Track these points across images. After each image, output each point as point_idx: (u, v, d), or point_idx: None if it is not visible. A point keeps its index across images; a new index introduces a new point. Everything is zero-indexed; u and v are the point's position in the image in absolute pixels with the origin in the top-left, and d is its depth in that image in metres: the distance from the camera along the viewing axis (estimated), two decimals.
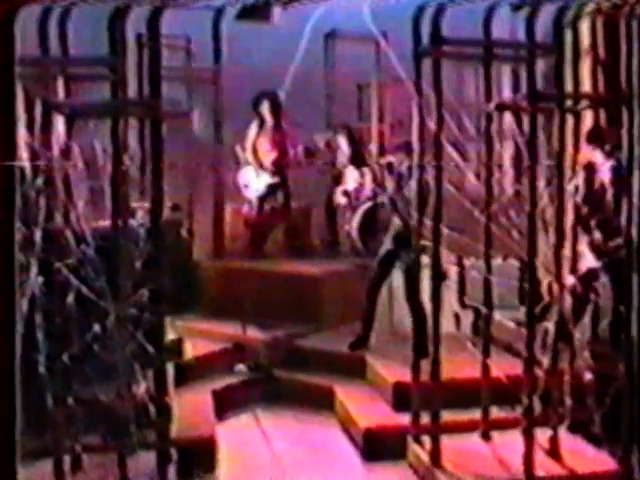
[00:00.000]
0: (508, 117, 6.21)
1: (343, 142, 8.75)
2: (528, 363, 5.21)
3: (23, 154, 5.03)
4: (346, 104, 9.45)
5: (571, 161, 5.87)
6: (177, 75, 8.00)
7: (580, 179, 5.79)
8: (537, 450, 5.21)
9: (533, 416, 5.20)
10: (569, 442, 5.41)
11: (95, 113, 4.99)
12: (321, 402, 6.49)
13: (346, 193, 8.54)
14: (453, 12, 5.26)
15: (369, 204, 7.96)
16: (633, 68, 5.12)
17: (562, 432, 5.42)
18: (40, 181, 4.82)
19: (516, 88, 6.80)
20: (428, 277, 5.50)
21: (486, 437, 5.57)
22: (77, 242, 4.84)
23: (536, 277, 5.33)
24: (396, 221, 6.54)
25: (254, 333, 7.21)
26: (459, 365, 5.70)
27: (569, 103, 5.61)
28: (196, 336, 7.12)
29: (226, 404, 6.48)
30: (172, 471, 5.07)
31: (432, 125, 5.26)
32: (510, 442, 5.31)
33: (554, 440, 5.34)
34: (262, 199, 8.51)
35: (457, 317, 7.10)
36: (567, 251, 5.55)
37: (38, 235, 4.77)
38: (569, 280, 5.49)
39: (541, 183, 5.27)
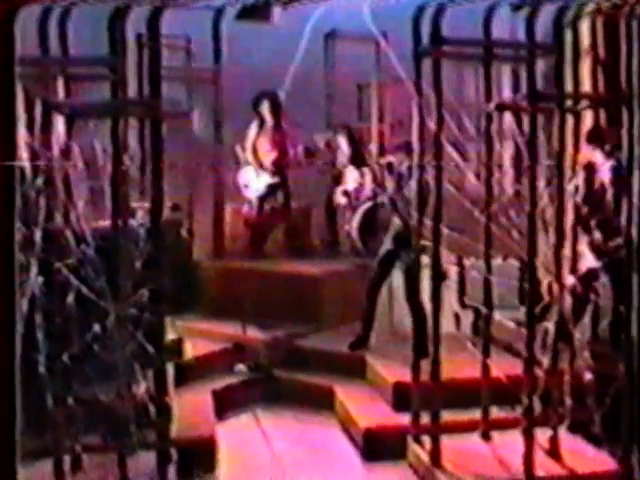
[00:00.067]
0: (508, 117, 6.21)
1: (343, 142, 8.75)
2: (528, 363, 5.21)
3: (23, 154, 5.04)
4: (346, 104, 9.45)
5: (571, 161, 5.86)
6: (177, 75, 8.00)
7: (580, 179, 5.79)
8: (537, 450, 5.21)
9: (533, 416, 5.20)
10: (569, 442, 5.41)
11: (95, 113, 4.99)
12: (321, 402, 6.49)
13: (346, 193, 8.54)
14: (453, 12, 5.26)
15: (369, 204, 7.96)
16: (633, 68, 5.12)
17: (562, 432, 5.42)
18: (40, 181, 4.82)
19: (516, 88, 6.80)
20: (428, 277, 5.50)
21: (486, 437, 5.57)
22: (77, 242, 4.84)
23: (536, 277, 5.33)
24: (396, 221, 6.54)
25: (254, 333, 7.21)
26: (459, 365, 5.70)
27: (569, 103, 5.61)
28: (196, 336, 7.12)
29: (226, 404, 6.48)
30: (172, 471, 5.08)
31: (432, 125, 5.26)
32: (510, 442, 5.31)
33: (554, 440, 5.34)
34: (262, 199, 8.52)
35: (457, 317, 7.10)
36: (567, 251, 5.55)
37: (38, 235, 4.77)
38: (569, 280, 5.48)
39: (541, 183, 5.27)
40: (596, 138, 5.85)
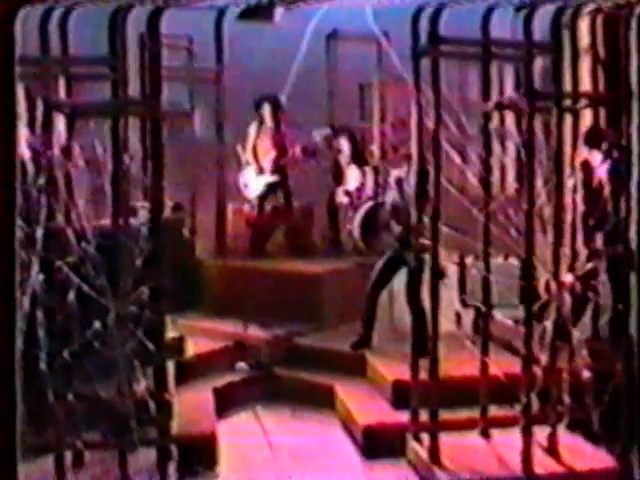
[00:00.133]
0: (510, 117, 6.24)
1: (344, 143, 8.78)
2: (526, 361, 5.23)
3: (25, 153, 5.09)
4: (348, 104, 9.46)
5: (569, 159, 5.88)
6: (179, 75, 8.04)
7: (578, 179, 5.80)
8: (536, 448, 5.23)
9: (531, 414, 5.22)
10: (567, 440, 5.43)
11: (96, 112, 5.02)
12: (321, 400, 6.51)
13: (348, 193, 8.56)
14: (454, 12, 5.29)
15: (370, 203, 7.98)
16: (632, 68, 5.14)
17: (560, 430, 5.43)
18: (42, 180, 4.86)
19: (519, 87, 6.81)
20: (428, 276, 5.52)
21: (485, 435, 5.59)
22: (78, 240, 4.88)
23: (534, 275, 5.35)
24: (397, 228, 6.58)
25: (255, 331, 7.24)
26: (458, 363, 5.72)
27: (568, 102, 5.62)
28: (198, 334, 7.16)
29: (227, 402, 6.51)
30: (172, 468, 5.11)
31: (431, 124, 5.28)
32: (509, 440, 5.33)
33: (553, 438, 5.36)
34: (262, 198, 8.56)
35: (458, 316, 7.11)
36: (566, 249, 5.57)
37: (39, 233, 4.81)
38: (568, 278, 5.50)
39: (539, 182, 5.29)
40: (594, 140, 5.86)
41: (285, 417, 6.46)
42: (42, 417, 4.71)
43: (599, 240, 5.66)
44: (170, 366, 5.79)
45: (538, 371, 5.29)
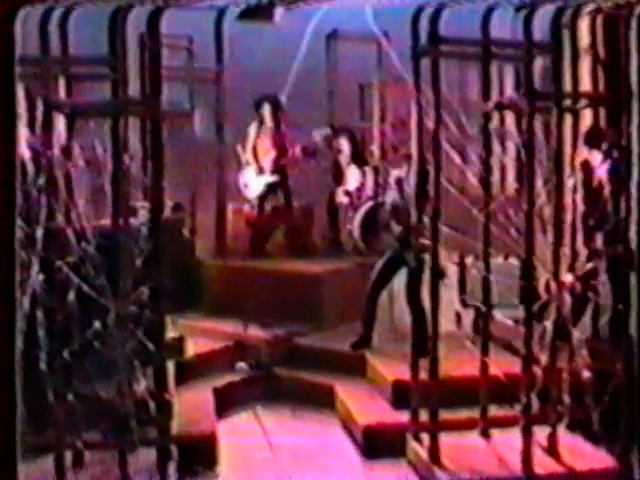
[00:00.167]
0: (510, 117, 6.24)
1: (344, 143, 8.78)
2: (526, 361, 5.23)
3: (25, 153, 5.09)
4: (348, 104, 9.46)
5: (569, 159, 5.88)
6: (179, 75, 8.05)
7: (578, 179, 5.80)
8: (536, 448, 5.23)
9: (531, 414, 5.22)
10: (568, 440, 5.43)
11: (96, 112, 5.02)
12: (321, 400, 6.52)
13: (348, 193, 8.57)
14: (455, 12, 5.29)
15: (370, 203, 7.98)
16: (632, 68, 5.14)
17: (561, 430, 5.43)
18: (42, 180, 4.86)
19: (519, 87, 6.81)
20: (428, 276, 5.52)
21: (485, 435, 5.59)
22: (78, 240, 4.88)
23: (534, 275, 5.35)
24: (397, 228, 6.58)
25: (255, 331, 7.24)
26: (458, 363, 5.73)
27: (568, 102, 5.63)
28: (198, 334, 7.16)
29: (227, 402, 6.51)
30: (172, 468, 5.11)
31: (431, 124, 5.28)
32: (509, 440, 5.33)
33: (553, 438, 5.36)
34: (262, 198, 8.57)
35: (458, 316, 7.12)
36: (566, 249, 5.57)
37: (39, 233, 4.81)
38: (568, 278, 5.50)
39: (539, 182, 5.29)
40: (594, 140, 5.86)
41: (285, 417, 6.46)
42: (42, 417, 4.71)
43: (599, 240, 5.66)
44: (170, 366, 5.80)
45: (538, 371, 5.29)
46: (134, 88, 5.21)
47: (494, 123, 5.77)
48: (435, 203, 5.35)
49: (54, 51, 4.95)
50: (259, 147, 8.65)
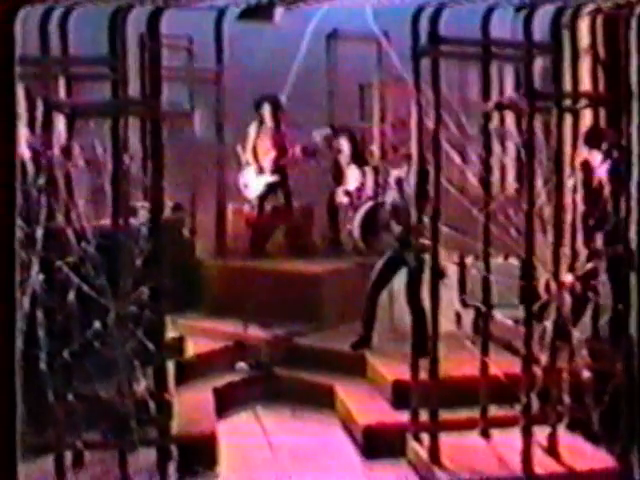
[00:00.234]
0: (510, 117, 6.24)
1: (344, 143, 8.79)
2: (526, 361, 5.23)
3: (25, 153, 5.09)
4: (348, 104, 9.46)
5: (570, 159, 5.88)
6: (179, 75, 8.05)
7: (578, 179, 5.80)
8: (536, 448, 5.23)
9: (531, 414, 5.22)
10: (567, 440, 5.43)
11: (96, 112, 5.03)
12: (321, 400, 6.52)
13: (348, 193, 8.57)
14: (456, 12, 5.29)
15: (370, 203, 7.98)
16: (632, 68, 5.14)
17: (560, 430, 5.43)
18: (42, 180, 4.86)
19: (519, 87, 6.81)
20: (428, 276, 5.52)
21: (485, 435, 5.59)
22: (78, 240, 4.88)
23: (534, 275, 5.35)
24: (397, 228, 6.59)
25: (255, 331, 7.25)
26: (458, 363, 5.73)
27: (568, 102, 5.63)
28: (198, 334, 7.17)
29: (227, 402, 6.52)
30: (172, 468, 5.11)
31: (431, 124, 5.28)
32: (509, 440, 5.33)
33: (553, 438, 5.36)
34: (262, 198, 8.58)
35: (458, 316, 7.12)
36: (566, 249, 5.57)
37: (39, 233, 4.81)
38: (568, 279, 5.50)
39: (539, 182, 5.29)
40: (594, 140, 5.86)
41: (285, 417, 6.47)
42: (42, 417, 4.71)
43: (599, 240, 5.67)
44: (170, 366, 5.80)
45: (538, 371, 5.29)
46: (134, 88, 5.21)
47: (494, 123, 5.77)
48: (435, 203, 5.35)
49: (54, 51, 4.95)
50: (259, 147, 8.66)
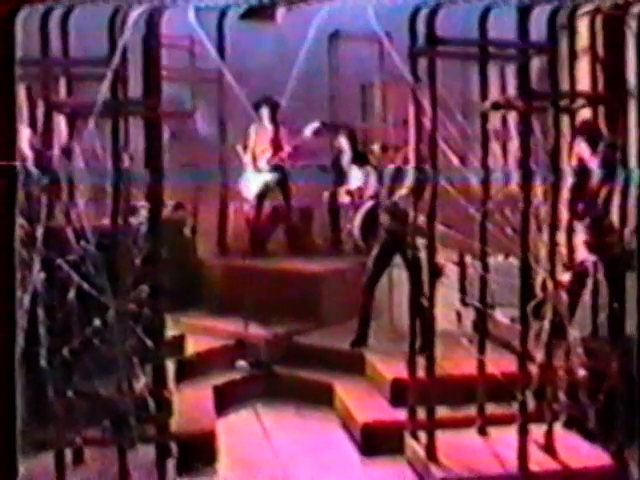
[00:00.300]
0: (508, 116, 6.25)
1: (344, 142, 8.82)
2: (521, 359, 5.25)
3: (26, 153, 5.14)
4: (350, 104, 9.49)
5: (566, 159, 5.90)
6: (180, 75, 8.08)
7: (575, 179, 5.81)
8: (532, 445, 5.25)
9: (527, 412, 5.25)
10: (564, 437, 5.45)
11: (96, 112, 5.05)
12: (321, 398, 6.55)
13: (349, 192, 8.60)
14: (456, 12, 5.31)
15: (371, 203, 8.01)
16: (630, 67, 5.16)
17: (557, 428, 5.45)
18: (43, 179, 4.90)
19: (519, 87, 6.82)
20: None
21: (482, 432, 5.62)
22: (78, 239, 4.92)
23: (531, 274, 5.37)
24: (386, 219, 6.64)
25: (256, 330, 7.27)
26: (456, 362, 5.76)
27: (566, 102, 5.65)
28: (199, 333, 7.20)
29: (227, 399, 6.55)
30: (171, 465, 5.14)
31: (429, 124, 5.31)
32: (506, 437, 5.35)
33: (549, 435, 5.38)
34: (260, 197, 8.62)
35: (459, 315, 7.14)
36: (562, 248, 5.59)
37: (40, 232, 4.85)
38: (564, 277, 5.53)
39: (536, 181, 5.32)
40: (583, 131, 5.85)
41: (285, 415, 6.50)
42: (42, 413, 4.74)
43: (595, 238, 5.68)
44: (170, 364, 5.84)
45: (534, 369, 5.32)
46: (134, 88, 5.25)
47: (493, 123, 5.80)
48: (431, 202, 5.38)
49: (54, 51, 4.98)
50: (258, 147, 8.71)
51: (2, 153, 4.12)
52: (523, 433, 5.19)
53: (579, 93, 6.12)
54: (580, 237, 5.64)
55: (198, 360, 6.83)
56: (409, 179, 5.96)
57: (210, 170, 8.45)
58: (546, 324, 5.31)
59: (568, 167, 5.70)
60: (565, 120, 5.74)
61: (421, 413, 5.52)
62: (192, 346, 6.96)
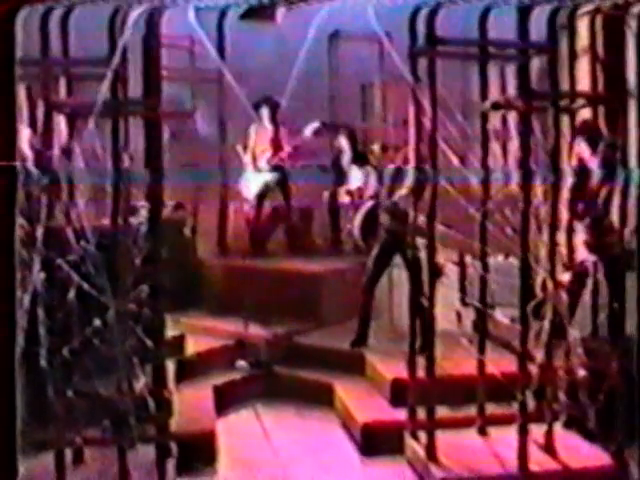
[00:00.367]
0: (508, 116, 6.25)
1: (344, 142, 8.82)
2: (521, 359, 5.26)
3: (26, 153, 5.14)
4: (350, 104, 9.50)
5: (566, 159, 5.90)
6: (180, 75, 8.09)
7: (575, 179, 5.82)
8: (532, 445, 5.26)
9: (527, 412, 5.25)
10: (564, 437, 5.46)
11: (96, 112, 5.06)
12: (321, 398, 6.56)
13: (349, 192, 8.60)
14: (456, 12, 5.32)
15: (371, 203, 8.02)
16: (630, 67, 5.16)
17: (557, 428, 5.46)
18: (43, 179, 4.90)
19: (519, 87, 6.82)
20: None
21: (482, 432, 5.62)
22: (78, 239, 4.92)
23: (531, 275, 5.38)
24: (386, 219, 6.64)
25: (256, 330, 7.28)
26: (457, 362, 5.76)
27: (566, 102, 5.65)
28: (199, 333, 7.20)
29: (227, 399, 6.56)
30: (171, 465, 5.14)
31: (429, 124, 5.32)
32: (506, 437, 5.35)
33: (549, 435, 5.39)
34: (260, 197, 8.63)
35: (459, 315, 7.15)
36: (562, 248, 5.60)
37: (40, 232, 4.85)
38: (564, 277, 5.53)
39: (536, 181, 5.32)
40: (583, 131, 5.85)
41: (285, 415, 6.50)
42: (42, 413, 4.75)
43: (595, 238, 5.68)
44: (170, 364, 5.84)
45: (534, 369, 5.32)
46: (134, 88, 5.25)
47: (493, 123, 5.80)
48: (431, 202, 5.38)
49: (54, 51, 4.99)
50: (258, 147, 8.72)
51: (2, 153, 4.12)
52: (523, 433, 5.19)
53: (579, 93, 6.13)
54: (580, 237, 5.65)
55: (198, 360, 6.84)
56: (409, 179, 5.97)
57: (210, 170, 8.45)
58: (546, 324, 5.31)
59: (568, 167, 5.71)
60: (565, 120, 5.75)
61: (421, 413, 5.53)
62: (192, 346, 6.96)
